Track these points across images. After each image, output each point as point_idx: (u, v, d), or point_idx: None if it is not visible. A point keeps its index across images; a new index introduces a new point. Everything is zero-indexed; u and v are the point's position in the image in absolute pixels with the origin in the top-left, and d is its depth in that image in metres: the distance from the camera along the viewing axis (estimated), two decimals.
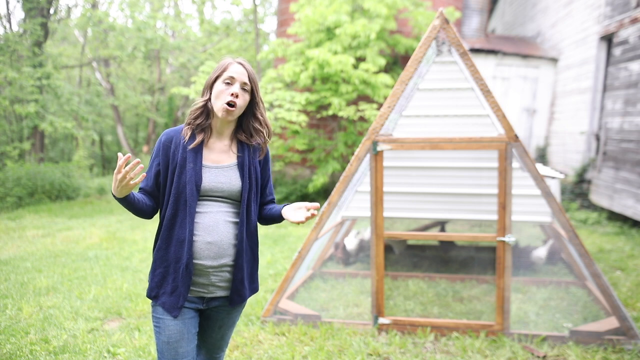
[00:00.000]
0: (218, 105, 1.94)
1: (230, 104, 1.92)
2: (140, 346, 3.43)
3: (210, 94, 1.98)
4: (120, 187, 1.79)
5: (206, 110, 1.99)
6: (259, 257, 2.14)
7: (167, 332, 1.95)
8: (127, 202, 1.90)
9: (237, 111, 1.96)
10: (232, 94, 1.92)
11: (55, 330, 3.68)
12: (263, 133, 2.05)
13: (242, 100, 1.96)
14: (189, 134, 1.97)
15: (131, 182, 1.78)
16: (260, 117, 2.03)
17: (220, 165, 1.99)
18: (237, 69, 1.95)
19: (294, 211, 1.96)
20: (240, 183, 2.00)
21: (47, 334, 3.61)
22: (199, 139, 1.97)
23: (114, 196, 1.85)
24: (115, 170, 1.76)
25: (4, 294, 4.44)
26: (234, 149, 2.04)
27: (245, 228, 2.01)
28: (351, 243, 5.58)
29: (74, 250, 6.14)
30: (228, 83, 1.94)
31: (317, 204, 1.93)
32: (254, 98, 2.00)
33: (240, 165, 2.01)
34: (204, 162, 1.97)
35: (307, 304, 4.34)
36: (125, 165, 1.76)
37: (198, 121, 1.98)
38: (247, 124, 2.04)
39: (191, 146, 1.95)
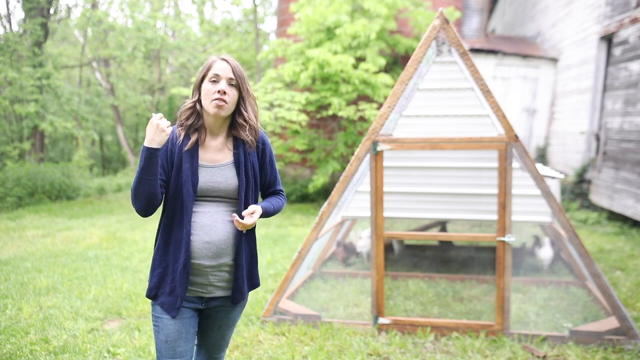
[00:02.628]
0: (207, 105, 1.94)
1: (219, 100, 1.92)
2: (140, 346, 3.43)
3: (199, 94, 1.98)
4: (157, 131, 1.80)
5: (196, 111, 1.99)
6: (257, 254, 2.14)
7: (165, 331, 1.96)
8: (153, 161, 1.82)
9: (229, 107, 1.95)
10: (219, 92, 1.91)
11: (55, 330, 3.68)
12: (245, 129, 2.00)
13: (231, 96, 1.95)
14: (182, 134, 1.97)
15: (166, 128, 1.81)
16: (244, 112, 1.99)
17: (216, 165, 1.99)
18: (221, 66, 1.94)
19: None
20: (237, 181, 1.99)
21: (47, 334, 3.61)
22: (193, 138, 1.97)
23: (144, 151, 1.80)
24: (154, 117, 1.80)
25: (4, 294, 4.44)
26: (230, 145, 2.03)
27: None
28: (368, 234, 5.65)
29: (74, 250, 6.14)
30: (214, 81, 1.94)
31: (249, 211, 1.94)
32: (241, 93, 1.98)
33: (237, 163, 2.01)
34: (200, 162, 1.97)
35: (307, 304, 4.34)
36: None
37: (190, 121, 1.98)
38: (235, 119, 2.03)
39: (186, 147, 1.95)
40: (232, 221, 1.99)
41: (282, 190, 2.23)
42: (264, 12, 19.59)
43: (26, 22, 12.28)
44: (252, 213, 1.94)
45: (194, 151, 1.96)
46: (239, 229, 1.95)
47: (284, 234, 7.19)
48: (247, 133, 2.00)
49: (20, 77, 10.82)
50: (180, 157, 1.94)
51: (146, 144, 1.81)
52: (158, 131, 1.80)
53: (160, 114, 1.84)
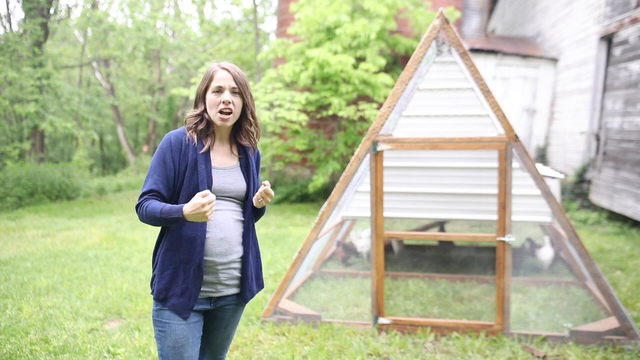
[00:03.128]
0: (214, 116, 1.98)
1: (224, 112, 1.96)
2: (140, 346, 3.43)
3: (205, 104, 2.01)
4: (200, 216, 1.79)
5: (205, 119, 2.02)
6: (260, 254, 2.19)
7: (173, 336, 1.96)
8: (177, 223, 1.89)
9: (234, 116, 2.00)
10: (224, 102, 1.95)
11: (55, 330, 3.68)
12: (252, 134, 2.07)
13: (236, 105, 1.98)
14: (195, 137, 1.99)
15: (209, 215, 1.80)
16: (250, 118, 2.04)
17: (226, 167, 2.04)
18: (222, 76, 1.96)
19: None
20: (246, 183, 2.06)
21: (47, 334, 3.61)
22: (207, 144, 2.00)
23: (180, 219, 1.83)
24: (207, 198, 1.77)
25: (4, 294, 4.44)
26: (235, 151, 2.10)
27: (251, 226, 2.08)
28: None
29: (74, 250, 6.14)
30: (218, 92, 1.96)
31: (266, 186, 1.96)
32: (244, 100, 2.01)
33: (244, 167, 2.08)
34: (212, 164, 2.01)
35: (307, 304, 4.34)
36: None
37: (200, 127, 2.01)
38: (240, 126, 2.07)
39: (202, 151, 1.98)
40: (240, 220, 2.05)
41: None
42: (264, 12, 19.59)
43: (26, 22, 12.28)
44: (265, 189, 1.97)
45: (207, 154, 2.00)
46: (268, 200, 1.99)
47: (284, 234, 7.19)
48: (252, 139, 2.08)
49: (20, 77, 10.82)
50: (194, 159, 1.97)
51: (185, 215, 1.81)
52: (200, 216, 1.79)
53: (212, 197, 1.80)
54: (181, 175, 1.97)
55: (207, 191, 1.80)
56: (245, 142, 2.07)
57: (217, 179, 1.99)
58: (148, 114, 18.95)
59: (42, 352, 3.32)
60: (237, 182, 2.03)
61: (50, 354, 3.30)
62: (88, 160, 15.89)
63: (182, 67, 18.80)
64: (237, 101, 1.99)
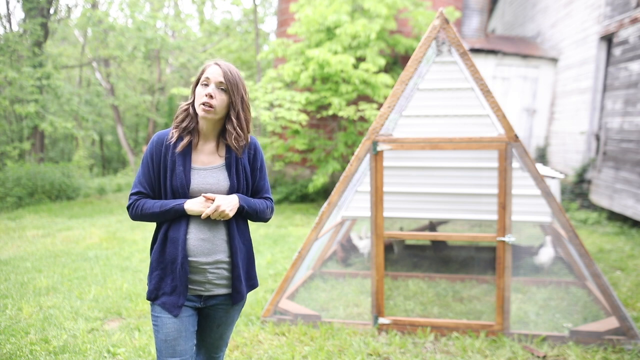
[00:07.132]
0: (197, 107, 1.97)
1: (206, 104, 1.94)
2: (140, 346, 3.43)
3: (194, 96, 2.01)
4: (201, 208, 1.95)
5: (190, 114, 2.02)
6: (254, 254, 2.16)
7: (165, 330, 1.98)
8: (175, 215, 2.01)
9: (216, 111, 1.96)
10: (207, 95, 1.93)
11: (55, 330, 3.68)
12: (231, 136, 2.00)
13: (219, 100, 1.95)
14: (175, 136, 2.00)
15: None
16: (233, 119, 1.99)
17: (208, 167, 2.02)
18: (212, 70, 1.97)
19: None
20: (229, 183, 2.03)
21: (47, 334, 3.61)
22: (185, 140, 1.99)
23: (180, 210, 1.95)
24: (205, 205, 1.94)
25: (4, 294, 4.44)
26: (222, 149, 2.06)
27: (236, 226, 2.04)
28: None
29: (74, 250, 6.14)
30: (205, 85, 1.97)
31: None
32: (231, 98, 1.97)
33: (228, 166, 2.03)
34: (192, 165, 2.01)
35: (307, 304, 4.34)
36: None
37: (184, 124, 2.01)
38: (225, 125, 2.04)
39: (178, 149, 1.98)
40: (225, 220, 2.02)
41: (270, 198, 2.20)
42: (264, 12, 19.59)
43: (26, 22, 12.28)
44: (214, 200, 1.96)
45: (187, 153, 2.00)
46: (223, 217, 1.95)
47: (284, 234, 7.19)
48: (233, 140, 2.01)
49: (20, 77, 10.82)
50: (173, 160, 1.98)
51: (186, 207, 1.94)
52: (202, 208, 1.94)
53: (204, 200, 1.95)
54: (162, 176, 2.00)
55: (210, 195, 1.93)
56: (229, 143, 2.01)
57: (197, 180, 1.99)
58: (148, 114, 18.95)
59: (42, 352, 3.32)
60: (218, 183, 2.01)
61: (50, 354, 3.30)
62: (88, 160, 15.91)
63: (182, 67, 18.81)
64: (222, 97, 1.96)
